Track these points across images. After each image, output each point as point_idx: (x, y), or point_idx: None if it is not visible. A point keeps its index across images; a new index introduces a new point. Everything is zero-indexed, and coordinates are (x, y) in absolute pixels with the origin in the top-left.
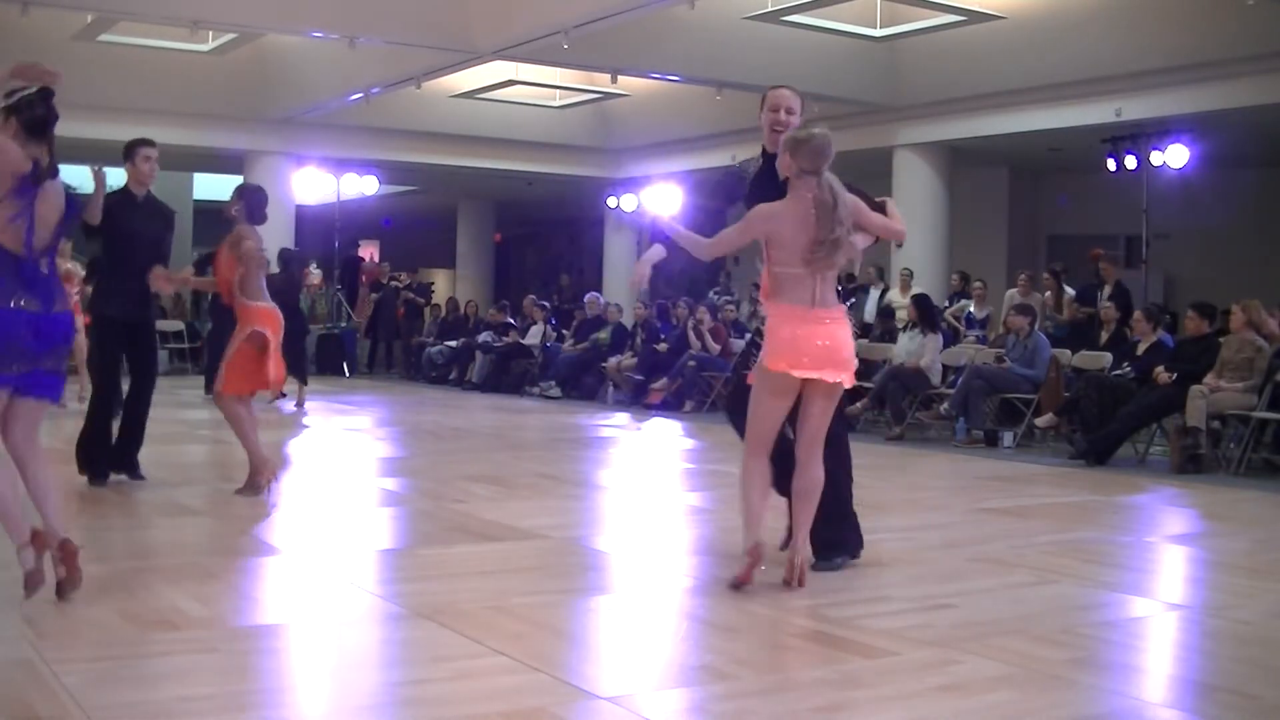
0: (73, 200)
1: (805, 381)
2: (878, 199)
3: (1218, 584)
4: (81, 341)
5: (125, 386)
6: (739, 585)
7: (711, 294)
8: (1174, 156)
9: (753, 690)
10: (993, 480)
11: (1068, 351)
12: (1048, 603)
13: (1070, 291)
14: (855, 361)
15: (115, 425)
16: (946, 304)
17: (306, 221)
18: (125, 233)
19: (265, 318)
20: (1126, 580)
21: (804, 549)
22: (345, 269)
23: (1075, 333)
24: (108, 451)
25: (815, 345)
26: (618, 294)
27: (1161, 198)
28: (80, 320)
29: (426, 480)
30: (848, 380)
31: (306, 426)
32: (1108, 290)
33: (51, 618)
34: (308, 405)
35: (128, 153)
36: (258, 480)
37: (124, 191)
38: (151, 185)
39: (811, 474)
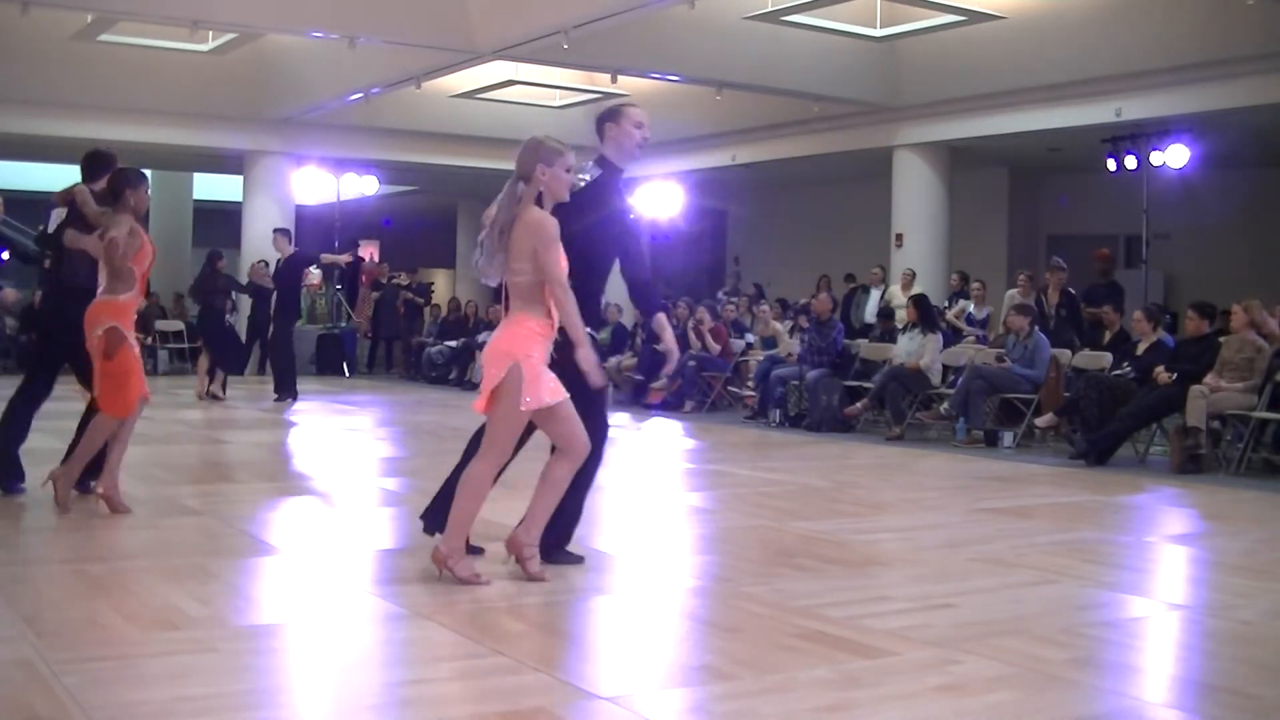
0: None
1: None
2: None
3: (1218, 584)
4: None
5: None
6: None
7: (721, 294)
8: (1174, 156)
9: (753, 690)
10: (993, 480)
11: (1068, 351)
12: (1048, 603)
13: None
14: (501, 360)
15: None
16: (946, 304)
17: (306, 221)
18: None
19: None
20: (1126, 580)
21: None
22: (345, 269)
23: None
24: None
25: None
26: (618, 294)
27: (1161, 198)
28: None
29: (426, 480)
30: (485, 390)
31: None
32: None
33: (51, 618)
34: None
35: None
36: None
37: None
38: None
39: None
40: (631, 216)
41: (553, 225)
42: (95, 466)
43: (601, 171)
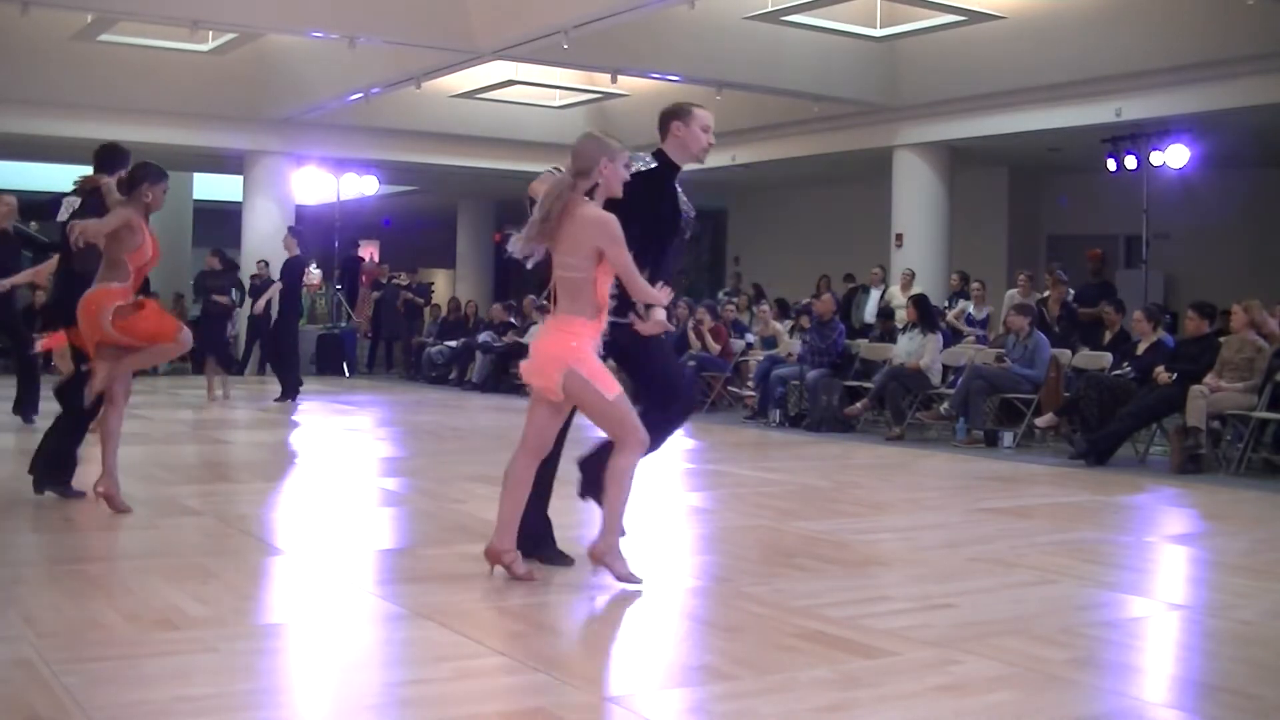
0: None
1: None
2: None
3: (1218, 584)
4: None
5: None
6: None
7: (721, 294)
8: (1174, 156)
9: (753, 690)
10: (993, 480)
11: (1068, 351)
12: (1048, 603)
13: (1070, 292)
14: (551, 366)
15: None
16: (946, 305)
17: (306, 221)
18: None
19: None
20: (1126, 580)
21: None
22: (345, 269)
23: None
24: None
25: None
26: None
27: (1161, 198)
28: None
29: (426, 480)
30: (536, 382)
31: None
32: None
33: (51, 618)
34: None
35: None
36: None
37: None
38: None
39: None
40: (689, 222)
41: (617, 224)
42: (71, 460)
43: (657, 165)
